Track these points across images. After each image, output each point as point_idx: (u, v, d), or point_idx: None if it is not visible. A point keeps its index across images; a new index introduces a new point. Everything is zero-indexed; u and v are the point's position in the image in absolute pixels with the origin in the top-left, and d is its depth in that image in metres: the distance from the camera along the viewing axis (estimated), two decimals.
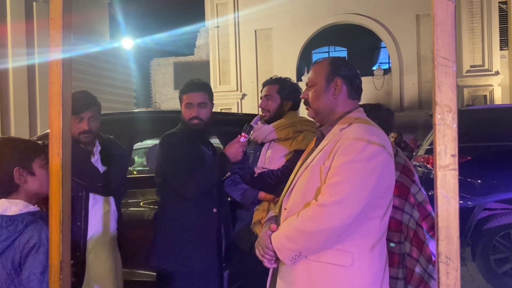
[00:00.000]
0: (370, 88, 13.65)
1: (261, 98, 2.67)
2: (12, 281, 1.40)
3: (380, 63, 19.15)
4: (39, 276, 1.39)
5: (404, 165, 2.12)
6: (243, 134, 2.39)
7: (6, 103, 8.45)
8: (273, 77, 2.68)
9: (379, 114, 2.28)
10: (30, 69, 8.99)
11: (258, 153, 2.60)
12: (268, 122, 2.60)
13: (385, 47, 14.73)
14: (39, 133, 7.59)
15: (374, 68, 15.92)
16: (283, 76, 2.74)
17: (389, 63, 16.41)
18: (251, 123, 2.67)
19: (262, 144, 2.59)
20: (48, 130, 1.15)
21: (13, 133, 8.25)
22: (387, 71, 14.76)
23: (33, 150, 1.53)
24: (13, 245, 1.41)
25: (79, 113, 2.28)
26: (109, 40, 13.94)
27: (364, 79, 13.19)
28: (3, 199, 1.47)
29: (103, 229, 2.40)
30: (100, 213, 2.38)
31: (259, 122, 2.67)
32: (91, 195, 2.33)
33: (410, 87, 13.48)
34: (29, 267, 1.39)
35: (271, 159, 2.51)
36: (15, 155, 1.49)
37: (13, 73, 8.51)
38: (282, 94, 2.56)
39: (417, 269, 1.97)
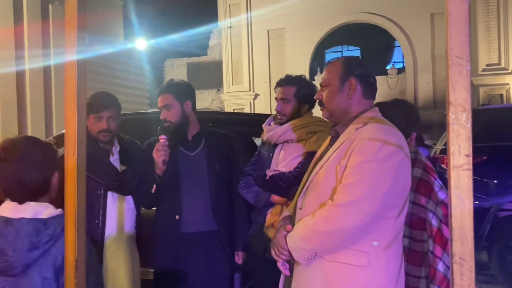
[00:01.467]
0: (384, 88, 13.53)
1: (276, 99, 2.55)
2: (50, 286, 1.35)
3: (394, 62, 18.97)
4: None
5: (426, 163, 2.09)
6: (160, 137, 2.29)
7: (23, 104, 8.58)
8: (288, 76, 2.55)
9: (404, 109, 2.21)
10: (46, 70, 9.12)
11: (271, 154, 2.55)
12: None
13: (399, 46, 14.58)
14: (54, 133, 7.70)
15: (388, 67, 15.77)
16: None
17: (403, 62, 16.25)
18: (264, 124, 2.64)
19: (276, 145, 2.54)
20: (64, 130, 1.16)
21: (29, 133, 8.38)
22: (401, 70, 14.60)
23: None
24: (53, 249, 1.35)
25: (99, 111, 2.34)
26: (123, 41, 14.06)
27: (378, 78, 12.95)
28: (32, 202, 1.40)
29: (121, 227, 2.43)
30: (117, 212, 2.41)
31: (272, 123, 2.61)
32: (109, 194, 2.37)
33: (425, 86, 13.32)
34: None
35: (283, 161, 2.46)
36: (56, 159, 1.45)
37: (29, 74, 8.64)
38: (299, 97, 2.46)
39: (440, 268, 1.93)
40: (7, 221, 1.34)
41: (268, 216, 2.41)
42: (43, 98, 9.10)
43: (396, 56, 19.39)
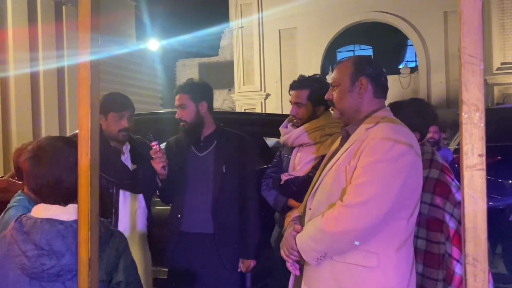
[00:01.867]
0: (397, 87, 13.42)
1: (290, 102, 2.51)
2: None
3: (407, 61, 18.80)
4: (136, 268, 1.42)
5: (443, 164, 2.06)
6: (151, 143, 2.31)
7: (37, 105, 8.71)
8: (301, 79, 2.50)
9: (421, 108, 2.17)
10: (60, 71, 9.24)
11: (290, 156, 2.54)
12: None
13: (412, 45, 14.45)
14: (68, 133, 7.80)
15: (401, 66, 15.64)
16: (306, 75, 2.62)
17: (416, 61, 16.10)
18: (281, 126, 2.62)
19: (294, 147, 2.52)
20: (77, 131, 1.18)
21: (43, 134, 8.50)
22: (413, 70, 14.47)
23: None
24: (105, 251, 1.32)
25: (121, 110, 2.39)
26: (136, 42, 14.18)
27: (390, 78, 12.96)
28: (76, 204, 1.34)
29: (133, 226, 2.45)
30: (129, 210, 2.43)
31: (288, 125, 2.59)
32: (121, 192, 2.39)
33: (438, 85, 13.18)
34: (125, 266, 1.37)
35: (299, 164, 2.44)
36: None
37: (43, 76, 8.76)
38: (313, 100, 2.42)
39: (458, 270, 1.90)
40: (63, 223, 1.30)
41: (286, 219, 2.41)
42: (56, 99, 9.22)
43: (409, 55, 19.22)
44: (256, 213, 2.43)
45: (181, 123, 2.41)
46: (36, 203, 2.10)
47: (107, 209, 2.31)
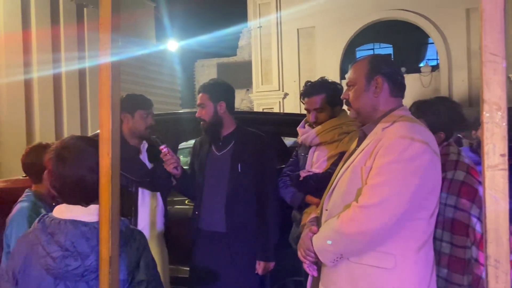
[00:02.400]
0: (417, 86, 13.22)
1: (307, 110, 2.52)
2: None
3: (428, 59, 18.50)
4: (156, 267, 1.43)
5: (469, 165, 1.98)
6: (160, 147, 2.35)
7: (59, 105, 8.89)
8: (313, 85, 2.51)
9: (446, 108, 2.10)
10: (81, 72, 9.41)
11: (307, 155, 2.56)
12: None
13: (433, 43, 14.20)
14: (89, 133, 7.94)
15: (421, 64, 15.41)
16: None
17: (437, 59, 15.82)
18: (298, 127, 2.64)
19: (311, 146, 2.53)
20: (98, 131, 1.20)
21: (66, 134, 8.67)
22: (435, 68, 14.23)
23: None
24: (127, 251, 1.33)
25: (148, 108, 2.47)
26: (155, 42, 14.34)
27: (411, 77, 12.79)
28: (92, 206, 1.35)
29: (152, 223, 2.49)
30: (148, 208, 2.47)
31: (306, 125, 2.61)
32: (139, 191, 2.43)
33: (460, 83, 12.94)
34: (146, 266, 1.37)
35: (317, 162, 2.45)
36: None
37: (65, 77, 8.94)
38: (331, 103, 2.45)
39: (485, 276, 1.85)
40: (86, 225, 1.30)
41: (304, 216, 2.41)
42: (78, 99, 9.40)
43: (430, 53, 18.91)
44: (274, 214, 2.42)
45: (201, 122, 2.45)
46: (44, 200, 2.16)
47: (127, 207, 2.35)
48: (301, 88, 2.57)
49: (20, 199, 2.23)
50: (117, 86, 1.16)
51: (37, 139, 8.15)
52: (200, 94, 2.45)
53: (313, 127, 2.53)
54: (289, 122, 2.77)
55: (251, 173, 2.40)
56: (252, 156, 2.41)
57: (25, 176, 4.38)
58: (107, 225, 1.16)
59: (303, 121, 2.66)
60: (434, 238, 1.69)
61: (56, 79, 8.74)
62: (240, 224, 2.38)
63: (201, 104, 2.43)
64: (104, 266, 1.18)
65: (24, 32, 7.99)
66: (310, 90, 2.49)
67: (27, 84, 8.07)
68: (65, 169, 1.32)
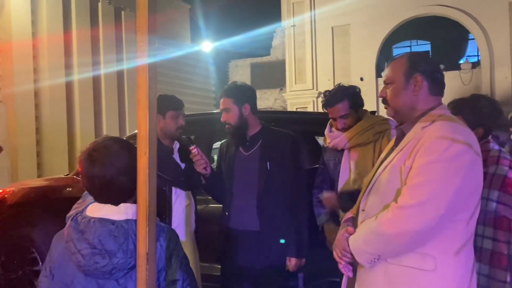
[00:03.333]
0: (457, 83, 12.79)
1: (333, 118, 2.54)
2: None
3: (468, 56, 17.87)
4: (189, 264, 1.43)
5: (511, 161, 1.95)
6: (190, 148, 2.38)
7: (98, 106, 9.17)
8: (333, 93, 2.50)
9: (483, 103, 2.07)
10: (119, 74, 9.67)
11: (337, 159, 2.55)
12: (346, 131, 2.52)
13: (473, 38, 13.70)
14: (127, 133, 8.15)
15: (461, 61, 14.91)
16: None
17: (478, 55, 15.25)
18: (326, 131, 2.64)
19: (342, 150, 2.52)
20: (136, 131, 1.23)
21: (104, 133, 8.94)
22: (475, 65, 13.72)
23: None
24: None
25: (179, 108, 2.52)
26: (190, 43, 14.55)
27: (450, 74, 12.37)
28: (127, 204, 1.38)
29: (185, 221, 2.54)
30: (182, 206, 2.52)
31: (333, 129, 2.61)
32: (173, 189, 2.48)
33: (502, 81, 12.41)
34: (179, 264, 1.38)
35: (357, 165, 2.43)
36: None
37: (104, 79, 9.21)
38: (354, 106, 2.48)
39: None
40: (114, 223, 1.32)
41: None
42: (116, 100, 9.67)
43: (470, 49, 18.25)
44: (303, 211, 2.43)
45: (226, 126, 2.47)
46: None
47: (161, 206, 2.40)
48: (321, 99, 2.58)
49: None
50: (154, 87, 1.18)
51: (78, 139, 8.45)
52: (223, 99, 2.48)
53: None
54: (323, 121, 2.74)
55: (280, 170, 2.41)
56: (280, 153, 2.43)
57: (66, 175, 4.55)
58: (144, 222, 1.19)
59: (328, 125, 2.66)
60: (475, 235, 1.65)
61: (96, 80, 9.01)
62: (272, 222, 2.39)
63: (225, 109, 2.46)
64: (141, 262, 1.21)
65: (66, 35, 8.28)
66: (332, 99, 2.49)
67: (68, 86, 8.36)
68: (94, 170, 1.34)
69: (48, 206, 3.81)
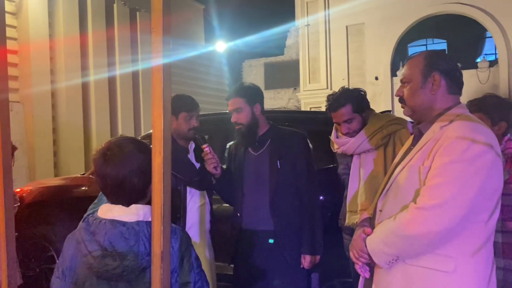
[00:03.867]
0: (474, 82, 12.59)
1: (337, 123, 2.49)
2: None
3: (485, 54, 17.57)
4: (200, 265, 1.42)
5: None
6: (203, 146, 2.39)
7: (114, 107, 9.27)
8: (335, 98, 2.45)
9: (499, 100, 2.09)
10: (135, 74, 9.76)
11: (348, 164, 2.52)
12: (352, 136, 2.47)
13: (491, 36, 13.47)
14: (142, 133, 8.22)
15: (478, 60, 14.66)
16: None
17: (495, 54, 15.00)
18: (332, 137, 2.60)
19: (351, 155, 2.48)
20: (151, 130, 1.24)
21: (120, 133, 9.03)
22: (493, 63, 13.48)
23: None
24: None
25: (192, 110, 2.53)
26: (204, 44, 14.61)
27: (467, 73, 12.19)
28: (139, 205, 1.37)
29: (200, 221, 2.55)
30: (196, 206, 2.53)
31: (339, 134, 2.56)
32: (188, 189, 2.49)
33: None
34: (190, 267, 1.37)
35: (366, 173, 2.37)
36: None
37: (120, 79, 9.30)
38: (358, 110, 2.43)
39: None
40: (125, 225, 1.32)
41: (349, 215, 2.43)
42: (132, 100, 9.76)
43: (488, 47, 17.96)
44: (313, 209, 2.42)
45: (236, 126, 2.47)
46: None
47: (175, 206, 2.42)
48: (325, 104, 2.53)
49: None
50: (169, 87, 1.19)
51: (94, 139, 8.55)
52: (234, 99, 2.47)
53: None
54: None
55: (291, 168, 2.42)
56: (289, 151, 2.43)
57: (82, 174, 4.61)
58: (159, 221, 1.20)
59: (334, 130, 2.61)
60: None
61: (111, 81, 9.11)
62: (286, 221, 2.39)
63: (237, 109, 2.46)
64: (156, 261, 1.21)
65: (82, 36, 8.38)
66: (335, 104, 2.45)
67: (84, 87, 8.46)
68: (106, 169, 1.34)
69: (65, 205, 3.87)
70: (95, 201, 2.00)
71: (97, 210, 1.41)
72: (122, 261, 1.28)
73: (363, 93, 2.48)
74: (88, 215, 1.40)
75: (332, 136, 2.60)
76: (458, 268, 1.41)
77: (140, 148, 1.38)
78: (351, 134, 2.46)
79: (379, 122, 2.40)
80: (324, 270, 2.50)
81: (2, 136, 1.52)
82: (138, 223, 1.32)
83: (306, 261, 2.39)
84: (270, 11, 17.50)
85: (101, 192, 2.09)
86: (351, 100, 2.42)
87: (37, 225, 3.92)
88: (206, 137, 2.55)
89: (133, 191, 1.34)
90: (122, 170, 1.33)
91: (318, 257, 2.41)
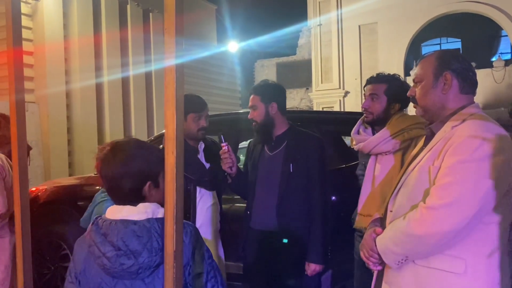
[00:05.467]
0: (489, 81, 12.42)
1: (364, 96, 2.39)
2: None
3: (501, 53, 17.32)
4: (212, 257, 1.42)
5: None
6: (222, 144, 2.40)
7: (127, 106, 9.35)
8: (380, 74, 2.39)
9: None
10: (148, 75, 9.84)
11: (365, 163, 2.40)
12: (370, 124, 2.39)
13: (506, 35, 13.27)
14: (155, 133, 8.28)
15: (494, 59, 14.45)
16: (390, 71, 2.48)
17: (511, 53, 14.79)
18: (352, 132, 2.48)
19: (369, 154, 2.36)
20: (164, 131, 1.25)
21: (133, 133, 9.10)
22: (508, 62, 13.28)
23: (162, 162, 1.26)
24: None
25: (200, 111, 2.53)
26: (217, 44, 14.66)
27: (482, 72, 12.02)
28: (146, 203, 1.37)
29: (209, 220, 2.57)
30: (206, 206, 2.55)
31: (360, 130, 2.45)
32: (197, 189, 2.51)
33: None
34: (201, 258, 1.38)
35: (381, 176, 2.26)
36: (156, 167, 1.37)
37: (133, 80, 9.38)
38: (389, 95, 2.30)
39: None
40: (136, 223, 1.32)
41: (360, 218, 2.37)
42: (145, 101, 9.83)
43: (503, 46, 17.70)
44: (321, 216, 2.35)
45: (253, 123, 2.48)
46: None
47: (185, 206, 2.43)
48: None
49: (102, 198, 2.37)
50: (181, 88, 1.20)
51: (107, 139, 8.63)
52: (252, 96, 2.48)
53: (367, 125, 2.41)
54: (350, 121, 2.68)
55: (303, 173, 2.37)
56: (305, 156, 2.38)
57: (96, 174, 4.66)
58: (171, 220, 1.21)
59: (357, 124, 2.50)
60: None
61: (125, 81, 9.19)
62: (292, 225, 2.37)
63: (252, 106, 2.47)
64: (169, 260, 1.22)
65: (96, 37, 8.47)
66: (375, 78, 2.38)
67: (98, 87, 8.55)
68: (108, 171, 1.36)
69: (79, 204, 3.91)
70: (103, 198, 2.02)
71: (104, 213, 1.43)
72: (137, 259, 1.29)
73: (405, 87, 2.25)
74: (96, 218, 1.41)
75: (353, 131, 2.49)
76: (469, 270, 1.39)
77: (142, 151, 1.39)
78: (367, 114, 2.36)
79: (404, 123, 2.27)
80: (337, 270, 2.49)
81: (19, 136, 1.55)
82: (148, 220, 1.34)
83: (310, 269, 2.35)
84: (282, 11, 17.49)
85: (102, 190, 2.11)
86: (389, 82, 2.33)
87: (51, 224, 3.98)
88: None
89: (128, 192, 1.36)
90: (120, 171, 1.35)
91: (322, 266, 2.36)
